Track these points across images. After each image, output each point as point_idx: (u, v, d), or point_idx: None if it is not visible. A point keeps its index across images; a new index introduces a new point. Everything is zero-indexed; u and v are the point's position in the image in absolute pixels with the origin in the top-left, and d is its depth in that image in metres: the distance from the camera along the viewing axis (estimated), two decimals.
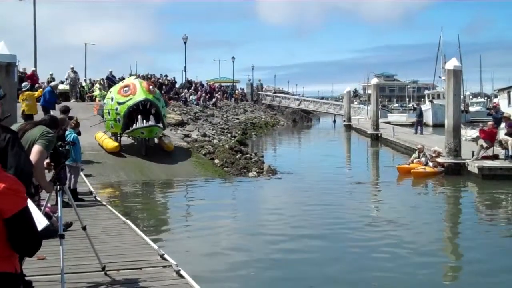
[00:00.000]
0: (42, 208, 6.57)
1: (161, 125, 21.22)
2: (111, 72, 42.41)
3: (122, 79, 43.00)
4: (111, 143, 21.52)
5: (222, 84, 67.77)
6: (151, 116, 20.77)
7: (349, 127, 53.42)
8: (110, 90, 24.27)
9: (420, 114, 37.81)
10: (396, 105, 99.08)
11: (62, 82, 39.24)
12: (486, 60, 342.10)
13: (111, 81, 41.63)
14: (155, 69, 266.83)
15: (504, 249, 11.16)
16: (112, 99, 21.91)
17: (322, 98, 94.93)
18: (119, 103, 21.09)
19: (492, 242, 11.60)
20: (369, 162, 30.50)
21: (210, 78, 72.82)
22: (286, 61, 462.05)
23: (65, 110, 13.03)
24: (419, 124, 36.97)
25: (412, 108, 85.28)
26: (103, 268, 6.93)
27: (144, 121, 20.62)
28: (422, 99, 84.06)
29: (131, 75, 42.76)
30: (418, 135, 35.06)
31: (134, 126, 20.69)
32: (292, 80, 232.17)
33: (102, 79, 44.88)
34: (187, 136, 27.33)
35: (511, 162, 20.01)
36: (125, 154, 21.13)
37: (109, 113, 21.81)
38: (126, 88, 21.45)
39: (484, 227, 13.17)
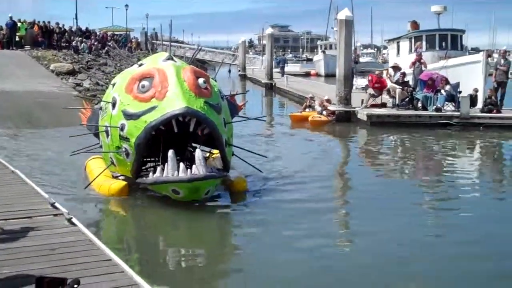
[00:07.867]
0: None
1: (222, 172, 10.20)
2: (11, 18, 37.48)
3: (15, 24, 38.56)
4: (113, 185, 10.29)
5: (115, 32, 65.71)
6: (198, 152, 9.67)
7: (244, 77, 53.76)
8: (112, 82, 11.49)
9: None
10: (290, 55, 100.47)
11: None
12: (377, 12, 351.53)
13: (12, 28, 37.28)
14: (45, 16, 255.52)
15: (393, 189, 11.90)
16: (114, 103, 10.18)
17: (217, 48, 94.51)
18: (128, 116, 9.73)
19: (382, 183, 12.31)
20: (264, 111, 30.84)
21: (102, 27, 70.42)
22: (181, 10, 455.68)
23: None
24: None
25: (305, 58, 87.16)
26: None
27: (182, 164, 9.46)
28: (315, 50, 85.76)
29: (19, 21, 39.46)
30: (307, 84, 38.59)
31: (158, 172, 9.56)
32: (188, 30, 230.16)
33: None
34: (78, 85, 26.51)
35: (398, 110, 20.99)
36: None
37: (107, 133, 10.34)
38: (145, 82, 9.76)
39: (373, 170, 14.05)
